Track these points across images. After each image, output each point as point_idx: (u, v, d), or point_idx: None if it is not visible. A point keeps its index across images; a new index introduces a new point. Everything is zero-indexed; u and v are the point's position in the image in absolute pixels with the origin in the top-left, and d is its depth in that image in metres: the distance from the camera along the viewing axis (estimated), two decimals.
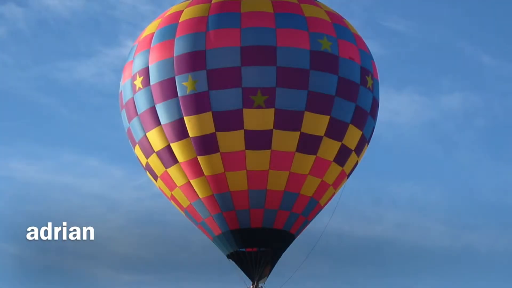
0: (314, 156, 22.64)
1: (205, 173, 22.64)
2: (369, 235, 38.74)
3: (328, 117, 22.53)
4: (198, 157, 22.53)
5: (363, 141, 23.58)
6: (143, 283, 35.20)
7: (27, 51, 49.69)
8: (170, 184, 23.32)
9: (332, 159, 22.93)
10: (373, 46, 24.53)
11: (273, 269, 23.56)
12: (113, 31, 50.93)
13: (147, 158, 23.38)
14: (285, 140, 22.36)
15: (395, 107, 46.90)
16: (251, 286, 23.37)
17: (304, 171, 22.70)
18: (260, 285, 23.41)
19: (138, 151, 23.60)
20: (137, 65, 23.10)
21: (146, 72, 22.81)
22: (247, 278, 23.43)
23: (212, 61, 22.21)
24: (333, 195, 23.84)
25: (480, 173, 47.40)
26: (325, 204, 23.83)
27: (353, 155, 23.39)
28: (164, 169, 23.11)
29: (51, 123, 48.30)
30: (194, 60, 22.30)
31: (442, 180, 46.07)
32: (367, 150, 24.19)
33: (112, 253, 34.18)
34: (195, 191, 22.99)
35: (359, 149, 23.53)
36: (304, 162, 22.61)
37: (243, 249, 23.28)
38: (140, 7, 50.34)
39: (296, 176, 22.69)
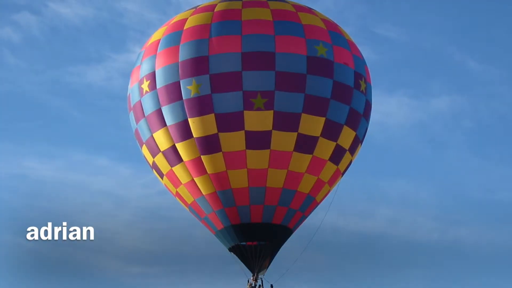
0: (311, 155, 23.18)
1: (208, 171, 23.15)
2: (363, 230, 39.49)
3: (324, 118, 23.06)
4: (201, 156, 23.04)
5: (357, 141, 24.06)
6: (150, 275, 35.82)
7: (41, 57, 50.45)
8: (175, 182, 23.80)
9: (327, 158, 23.46)
10: (366, 52, 25.13)
11: (272, 261, 24.09)
12: (121, 37, 51.66)
13: (153, 157, 23.86)
14: (284, 140, 22.86)
15: (387, 109, 47.39)
16: (251, 278, 23.88)
17: (301, 169, 23.22)
18: (259, 276, 23.91)
19: (145, 150, 24.08)
20: (144, 70, 23.59)
21: (152, 77, 23.31)
22: (248, 270, 23.96)
23: (215, 66, 22.71)
24: (328, 192, 24.32)
25: (467, 172, 48.23)
26: (321, 200, 24.33)
27: (347, 154, 23.89)
28: (170, 167, 23.60)
29: (63, 124, 48.98)
30: (198, 65, 22.80)
31: (432, 178, 46.81)
32: (361, 150, 24.65)
33: (120, 247, 34.96)
34: (199, 188, 23.49)
35: (353, 149, 24.01)
36: (301, 161, 23.13)
37: (244, 243, 23.76)
38: (146, 15, 51.00)
39: (293, 174, 23.19)
